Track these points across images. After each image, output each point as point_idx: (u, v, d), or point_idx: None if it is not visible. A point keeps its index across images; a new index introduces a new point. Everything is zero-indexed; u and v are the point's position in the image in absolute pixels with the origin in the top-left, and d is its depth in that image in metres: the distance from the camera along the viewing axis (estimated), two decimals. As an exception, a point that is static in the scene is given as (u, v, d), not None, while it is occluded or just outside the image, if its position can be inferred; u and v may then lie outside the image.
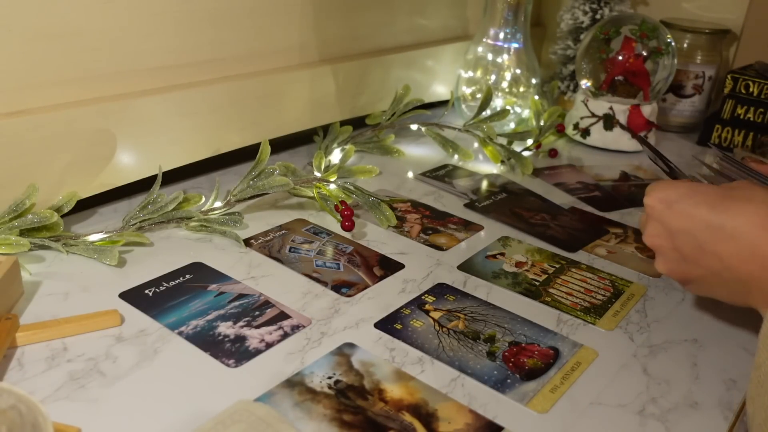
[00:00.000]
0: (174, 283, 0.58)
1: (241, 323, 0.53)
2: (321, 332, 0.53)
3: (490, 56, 1.01)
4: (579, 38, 1.08)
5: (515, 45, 1.00)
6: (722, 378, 0.52)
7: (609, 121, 0.98)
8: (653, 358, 0.53)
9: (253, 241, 0.67)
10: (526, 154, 0.92)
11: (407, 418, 0.45)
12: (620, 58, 0.97)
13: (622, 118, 0.98)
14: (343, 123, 0.91)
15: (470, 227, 0.73)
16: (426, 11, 1.02)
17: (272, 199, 0.76)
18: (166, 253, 0.63)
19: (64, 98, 0.64)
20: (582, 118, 1.00)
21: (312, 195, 0.75)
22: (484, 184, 0.85)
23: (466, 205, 0.78)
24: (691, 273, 0.51)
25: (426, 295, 0.59)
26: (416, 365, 0.50)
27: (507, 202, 0.79)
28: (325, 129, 0.91)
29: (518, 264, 0.66)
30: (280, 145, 0.89)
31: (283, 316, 0.55)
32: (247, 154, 0.81)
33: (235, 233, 0.66)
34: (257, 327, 0.53)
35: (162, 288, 0.57)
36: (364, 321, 0.55)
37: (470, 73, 1.02)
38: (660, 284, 0.64)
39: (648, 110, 0.98)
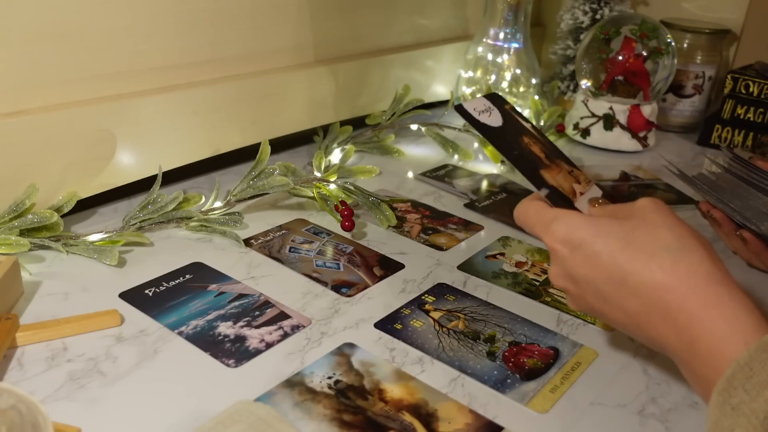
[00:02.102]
0: (174, 283, 0.58)
1: (241, 323, 0.53)
2: (321, 332, 0.53)
3: (490, 56, 1.01)
4: (579, 38, 1.08)
5: (515, 45, 1.00)
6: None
7: (609, 121, 0.98)
8: (653, 358, 0.53)
9: (253, 241, 0.67)
10: (526, 154, 0.92)
11: (407, 418, 0.45)
12: (620, 58, 0.97)
13: (622, 118, 0.98)
14: (343, 123, 0.91)
15: (470, 227, 0.73)
16: (426, 11, 1.02)
17: (272, 199, 0.76)
18: (166, 253, 0.63)
19: (64, 98, 0.64)
20: (582, 118, 1.00)
21: (312, 195, 0.75)
22: (484, 184, 0.85)
23: (466, 205, 0.78)
24: (607, 317, 0.45)
25: (426, 295, 0.59)
26: (416, 365, 0.50)
27: (507, 202, 0.79)
28: (325, 129, 0.91)
29: (518, 264, 0.66)
30: (280, 145, 0.89)
31: (283, 316, 0.55)
32: (247, 154, 0.81)
33: (235, 233, 0.66)
34: (257, 327, 0.53)
35: (162, 288, 0.57)
36: (364, 321, 0.55)
37: (470, 73, 1.02)
38: (660, 284, 0.64)
39: (648, 110, 0.98)
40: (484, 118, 0.53)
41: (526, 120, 0.56)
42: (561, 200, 0.50)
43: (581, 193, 0.51)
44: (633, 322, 0.43)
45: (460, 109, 0.54)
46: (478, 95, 0.55)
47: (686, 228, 0.43)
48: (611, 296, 0.43)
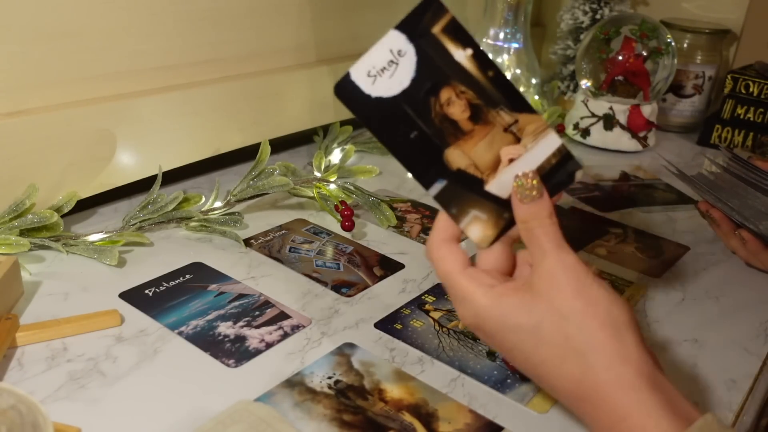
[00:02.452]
0: (174, 283, 0.58)
1: (241, 323, 0.53)
2: (321, 332, 0.53)
3: (490, 56, 1.00)
4: (579, 38, 1.08)
5: (515, 45, 1.00)
6: (722, 378, 0.52)
7: (609, 121, 0.98)
8: (653, 358, 0.53)
9: (253, 241, 0.67)
10: (526, 154, 0.92)
11: (407, 418, 0.45)
12: (620, 58, 0.97)
13: (622, 118, 0.98)
14: (343, 123, 0.91)
15: (470, 227, 0.73)
16: (426, 11, 1.02)
17: (272, 199, 0.76)
18: (166, 253, 0.63)
19: (64, 98, 0.64)
20: (582, 118, 1.00)
21: (312, 195, 0.75)
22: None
23: None
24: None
25: (426, 295, 0.59)
26: (416, 365, 0.50)
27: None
28: (325, 129, 0.91)
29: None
30: (280, 145, 0.89)
31: (283, 316, 0.55)
32: (247, 154, 0.81)
33: (235, 233, 0.66)
34: (257, 327, 0.53)
35: (162, 288, 0.57)
36: (364, 321, 0.55)
37: (470, 73, 1.02)
38: (660, 284, 0.64)
39: (648, 110, 0.98)
40: (378, 87, 0.40)
41: (469, 44, 0.40)
42: (467, 186, 0.41)
43: (511, 160, 0.40)
44: (556, 395, 0.41)
45: (342, 91, 0.40)
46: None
47: (595, 311, 0.38)
48: (529, 372, 0.41)
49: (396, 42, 0.39)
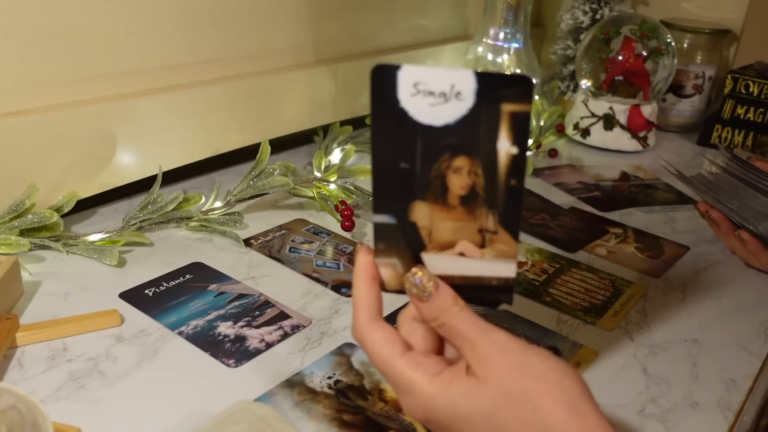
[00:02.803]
0: (174, 283, 0.58)
1: (241, 323, 0.53)
2: (321, 332, 0.53)
3: (490, 56, 1.01)
4: (579, 38, 1.08)
5: (515, 45, 1.00)
6: (722, 378, 0.52)
7: (609, 121, 0.98)
8: (653, 358, 0.53)
9: (253, 241, 0.67)
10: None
11: (407, 418, 0.45)
12: (620, 58, 0.97)
13: (622, 118, 0.98)
14: (343, 123, 0.91)
15: (470, 227, 0.73)
16: (426, 11, 1.02)
17: (272, 199, 0.76)
18: (166, 253, 0.63)
19: (64, 98, 0.64)
20: (582, 118, 1.00)
21: (312, 195, 0.75)
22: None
23: None
24: None
25: (426, 295, 0.59)
26: (416, 365, 0.50)
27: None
28: (325, 129, 0.91)
29: (518, 264, 0.66)
30: (280, 145, 0.89)
31: (283, 316, 0.55)
32: (247, 154, 0.81)
33: (235, 233, 0.66)
34: (257, 327, 0.53)
35: (162, 288, 0.57)
36: (364, 321, 0.55)
37: (470, 73, 1.02)
38: (660, 284, 0.64)
39: (648, 110, 0.99)
40: (412, 102, 0.35)
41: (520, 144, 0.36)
42: (409, 240, 0.38)
43: (460, 254, 0.38)
44: None
45: (379, 76, 0.35)
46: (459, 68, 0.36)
47: (547, 388, 0.36)
48: None
49: (463, 83, 0.35)
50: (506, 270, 0.38)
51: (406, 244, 0.38)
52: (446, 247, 0.38)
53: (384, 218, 0.37)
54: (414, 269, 0.37)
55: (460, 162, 0.37)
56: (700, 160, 1.00)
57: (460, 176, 0.37)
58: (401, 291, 0.39)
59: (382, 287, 0.40)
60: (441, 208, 0.38)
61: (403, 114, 0.36)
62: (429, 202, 0.37)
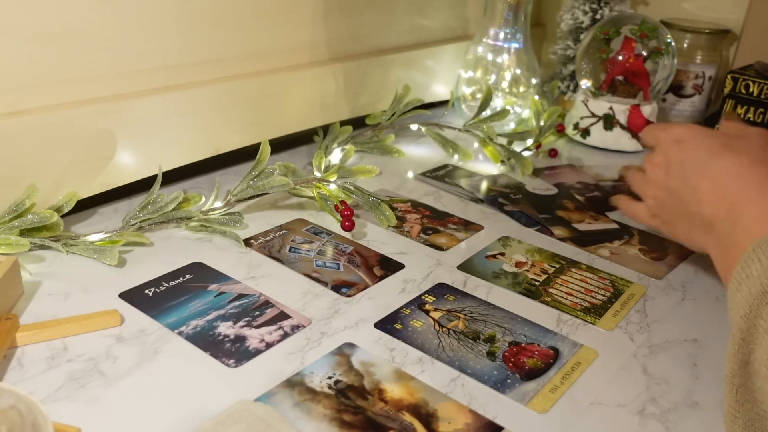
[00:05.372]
0: (174, 283, 0.58)
1: (241, 323, 0.53)
2: (321, 332, 0.53)
3: (490, 56, 1.01)
4: (579, 38, 1.08)
5: (515, 45, 1.00)
6: (722, 378, 0.51)
7: (609, 121, 0.98)
8: (653, 358, 0.53)
9: (253, 241, 0.67)
10: (526, 154, 0.92)
11: (407, 418, 0.45)
12: (620, 58, 0.97)
13: (622, 118, 0.98)
14: (343, 123, 0.91)
15: (470, 227, 0.73)
16: (426, 11, 1.02)
17: (272, 199, 0.76)
18: (166, 253, 0.63)
19: (64, 98, 0.64)
20: (582, 118, 1.00)
21: (312, 195, 0.75)
22: (484, 184, 0.85)
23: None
24: (667, 202, 0.58)
25: (426, 295, 0.59)
26: (416, 365, 0.50)
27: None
28: (325, 129, 0.91)
29: (518, 264, 0.66)
30: (280, 145, 0.89)
31: (283, 316, 0.55)
32: (247, 154, 0.81)
33: (235, 233, 0.66)
34: (257, 327, 0.53)
35: (162, 288, 0.57)
36: (364, 321, 0.55)
37: (470, 73, 1.02)
38: (660, 284, 0.64)
39: (648, 110, 0.98)
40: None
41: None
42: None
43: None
44: (697, 200, 0.53)
45: None
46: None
47: None
48: (692, 177, 0.54)
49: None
50: None
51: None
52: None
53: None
54: None
55: (569, 204, 0.63)
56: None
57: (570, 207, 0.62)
58: None
59: None
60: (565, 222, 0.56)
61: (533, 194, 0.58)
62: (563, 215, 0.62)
